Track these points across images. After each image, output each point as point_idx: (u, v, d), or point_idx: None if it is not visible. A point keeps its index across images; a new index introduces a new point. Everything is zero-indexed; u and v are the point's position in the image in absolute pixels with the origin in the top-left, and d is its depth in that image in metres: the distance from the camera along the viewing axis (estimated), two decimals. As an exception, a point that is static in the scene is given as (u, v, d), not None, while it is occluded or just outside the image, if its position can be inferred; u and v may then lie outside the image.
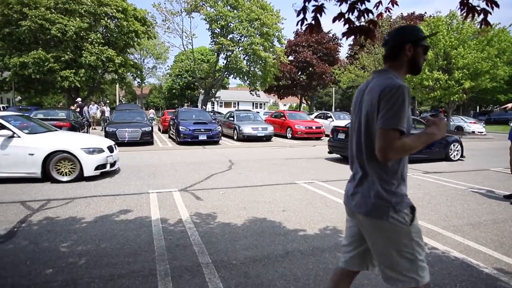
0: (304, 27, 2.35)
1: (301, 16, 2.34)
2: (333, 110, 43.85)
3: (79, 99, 21.77)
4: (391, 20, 32.54)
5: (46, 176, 6.66)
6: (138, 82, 42.46)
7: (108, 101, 48.26)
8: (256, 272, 3.13)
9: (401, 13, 36.49)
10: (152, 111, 36.00)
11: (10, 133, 6.55)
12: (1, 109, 25.31)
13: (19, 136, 6.61)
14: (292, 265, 3.29)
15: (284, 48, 34.79)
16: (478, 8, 2.34)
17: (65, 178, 6.74)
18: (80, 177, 6.82)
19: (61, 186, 6.40)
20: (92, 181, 6.85)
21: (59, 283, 2.91)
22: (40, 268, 3.15)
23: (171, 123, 16.78)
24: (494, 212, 5.21)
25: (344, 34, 2.29)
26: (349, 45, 41.46)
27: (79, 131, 13.92)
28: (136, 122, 14.68)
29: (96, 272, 3.10)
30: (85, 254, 3.47)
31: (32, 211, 4.84)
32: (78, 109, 19.06)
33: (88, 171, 6.88)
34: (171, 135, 16.69)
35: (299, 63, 39.82)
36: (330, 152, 10.73)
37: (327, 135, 18.41)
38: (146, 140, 13.75)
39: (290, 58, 39.47)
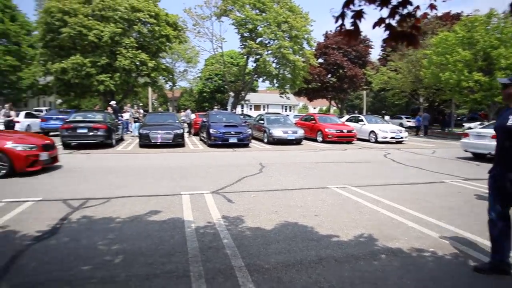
0: (343, 34, 2.24)
1: (340, 22, 2.23)
2: (365, 113, 42.87)
3: (113, 102, 22.56)
4: (425, 20, 31.45)
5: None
6: (170, 85, 43.34)
7: (141, 104, 49.70)
8: (289, 278, 3.09)
9: (436, 13, 35.15)
10: (188, 111, 30.79)
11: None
12: (45, 111, 26.86)
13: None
14: (326, 271, 3.21)
15: (313, 50, 34.47)
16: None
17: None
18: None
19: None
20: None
21: (99, 279, 3.01)
22: (80, 264, 3.27)
23: (202, 125, 17.04)
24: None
25: (385, 41, 2.19)
26: (381, 46, 40.40)
27: (114, 133, 14.41)
28: (168, 124, 15.01)
29: (133, 270, 3.17)
30: (122, 252, 3.57)
31: (72, 209, 5.06)
32: (112, 111, 19.75)
33: None
34: (202, 137, 16.95)
35: (329, 66, 39.32)
36: None
37: (358, 139, 18.05)
38: (177, 142, 14.04)
39: (320, 60, 39.04)
